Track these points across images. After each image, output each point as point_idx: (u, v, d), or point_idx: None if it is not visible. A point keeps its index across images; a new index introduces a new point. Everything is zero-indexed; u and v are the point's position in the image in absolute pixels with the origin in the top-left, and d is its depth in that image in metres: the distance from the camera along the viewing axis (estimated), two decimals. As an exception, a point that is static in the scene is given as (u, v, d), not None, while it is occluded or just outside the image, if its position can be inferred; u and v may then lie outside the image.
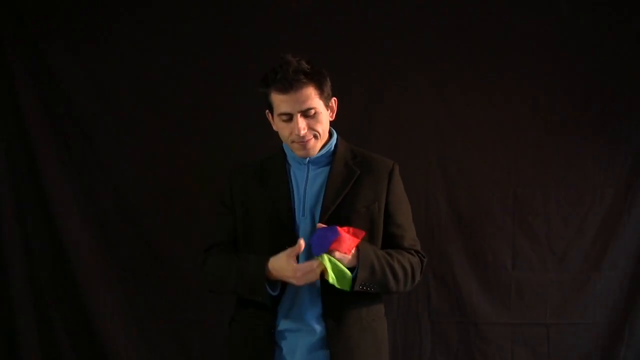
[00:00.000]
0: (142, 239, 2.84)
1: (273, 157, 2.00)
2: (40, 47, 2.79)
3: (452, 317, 2.82)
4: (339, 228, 1.77)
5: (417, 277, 1.94)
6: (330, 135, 1.96)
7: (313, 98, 1.83)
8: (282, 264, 1.77)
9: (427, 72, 2.82)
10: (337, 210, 1.86)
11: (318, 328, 1.85)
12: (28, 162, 2.81)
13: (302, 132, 1.83)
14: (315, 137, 1.87)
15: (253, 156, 2.07)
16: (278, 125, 1.89)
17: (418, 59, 2.82)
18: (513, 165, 2.83)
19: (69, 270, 2.81)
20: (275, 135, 1.96)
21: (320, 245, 1.77)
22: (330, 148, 1.94)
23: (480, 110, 2.82)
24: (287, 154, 1.96)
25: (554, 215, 2.82)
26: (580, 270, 2.81)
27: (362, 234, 1.79)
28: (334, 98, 1.93)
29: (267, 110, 1.92)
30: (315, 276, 1.77)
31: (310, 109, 1.83)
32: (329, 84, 1.89)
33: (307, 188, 1.90)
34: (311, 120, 1.85)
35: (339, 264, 1.77)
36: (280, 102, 1.83)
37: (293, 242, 1.81)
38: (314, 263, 1.76)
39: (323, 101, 1.87)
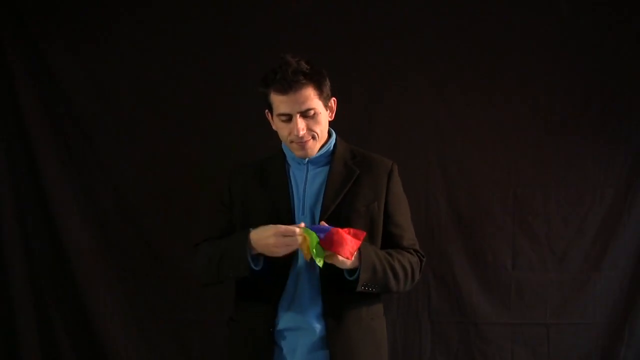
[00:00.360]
0: (142, 239, 2.84)
1: (273, 157, 2.00)
2: (40, 47, 2.79)
3: (452, 317, 2.82)
4: (340, 230, 1.76)
5: (417, 277, 1.95)
6: (330, 135, 1.97)
7: (312, 99, 1.83)
8: (264, 228, 1.77)
9: (427, 72, 2.82)
10: (336, 210, 1.86)
11: (318, 327, 1.85)
12: (28, 162, 2.81)
13: (301, 133, 1.83)
14: (314, 137, 1.87)
15: (253, 156, 2.07)
16: (277, 125, 1.89)
17: (418, 59, 2.82)
18: (513, 165, 2.83)
19: (69, 270, 2.81)
20: (275, 135, 1.96)
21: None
22: (330, 148, 1.95)
23: (480, 110, 2.82)
24: (287, 154, 1.96)
25: (554, 215, 2.82)
26: (580, 270, 2.81)
27: (363, 234, 1.79)
28: (333, 98, 1.93)
29: (266, 110, 1.93)
30: (295, 242, 1.74)
31: (310, 109, 1.83)
32: (328, 84, 1.89)
33: (306, 188, 1.90)
34: (310, 121, 1.85)
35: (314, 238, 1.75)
36: (280, 102, 1.83)
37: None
38: (296, 228, 1.74)
39: (322, 101, 1.87)
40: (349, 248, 1.75)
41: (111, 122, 2.85)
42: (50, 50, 2.80)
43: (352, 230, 1.78)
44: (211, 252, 1.90)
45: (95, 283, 2.82)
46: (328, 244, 1.74)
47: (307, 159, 1.91)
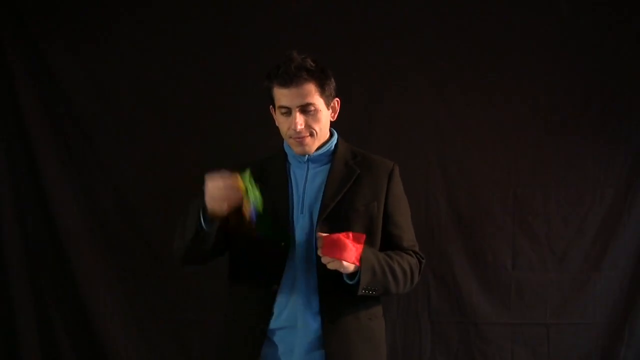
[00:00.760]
0: (142, 239, 2.84)
1: (273, 157, 2.00)
2: (40, 47, 2.79)
3: (452, 317, 2.82)
4: (340, 236, 1.76)
5: (416, 279, 1.94)
6: (331, 135, 1.97)
7: (313, 95, 1.83)
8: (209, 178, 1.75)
9: (427, 72, 2.82)
10: (336, 208, 1.86)
11: (314, 326, 1.84)
12: (28, 162, 2.81)
13: (299, 127, 1.83)
14: (312, 135, 1.87)
15: (253, 156, 2.07)
16: (278, 119, 1.90)
17: (418, 59, 2.82)
18: (513, 165, 2.83)
19: (69, 270, 2.81)
20: (276, 135, 1.96)
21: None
22: (331, 147, 1.95)
23: (480, 110, 2.82)
24: (288, 152, 1.96)
25: (554, 215, 2.82)
26: (580, 270, 2.82)
27: (363, 237, 1.78)
28: (337, 99, 1.93)
29: (270, 106, 1.93)
30: (235, 187, 1.73)
31: (309, 104, 1.83)
32: (332, 84, 1.89)
33: (306, 186, 1.90)
34: (309, 117, 1.85)
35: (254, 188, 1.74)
36: (281, 95, 1.84)
37: (289, 238, 1.82)
38: (235, 177, 1.73)
39: (324, 100, 1.87)
40: (352, 253, 1.75)
41: (111, 122, 2.85)
42: (50, 50, 2.80)
43: (351, 234, 1.77)
44: (181, 221, 1.89)
45: (95, 283, 2.82)
46: (331, 251, 1.74)
47: (307, 157, 1.91)
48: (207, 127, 2.82)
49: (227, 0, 2.85)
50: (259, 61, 2.13)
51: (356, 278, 1.79)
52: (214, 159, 2.73)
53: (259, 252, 1.86)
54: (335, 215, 1.84)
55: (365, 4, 2.83)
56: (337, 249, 1.73)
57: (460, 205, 2.83)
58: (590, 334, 2.81)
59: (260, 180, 1.94)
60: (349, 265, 1.76)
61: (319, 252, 1.75)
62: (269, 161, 1.99)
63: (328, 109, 1.91)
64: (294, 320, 1.85)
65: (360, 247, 1.76)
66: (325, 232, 1.77)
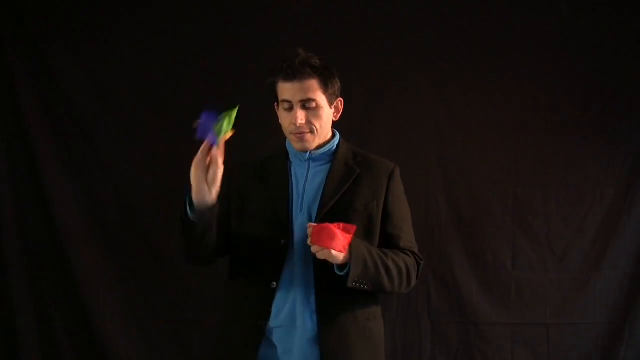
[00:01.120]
0: (142, 239, 2.84)
1: (274, 156, 2.00)
2: (40, 47, 2.80)
3: (452, 317, 2.82)
4: (330, 225, 1.76)
5: (413, 279, 1.92)
6: (333, 135, 1.97)
7: (315, 91, 1.84)
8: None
9: (427, 72, 2.82)
10: (334, 207, 1.86)
11: (312, 325, 1.84)
12: (28, 162, 2.81)
13: (299, 122, 1.84)
14: (312, 131, 1.87)
15: (253, 156, 2.07)
16: (280, 114, 1.91)
17: (418, 59, 2.82)
18: (513, 165, 2.83)
19: (69, 270, 2.81)
20: (276, 135, 1.96)
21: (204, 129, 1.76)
22: (332, 147, 1.95)
23: (480, 110, 2.83)
24: (289, 151, 1.96)
25: (554, 215, 2.82)
26: (580, 270, 2.82)
27: (353, 228, 1.77)
28: (340, 99, 1.93)
29: (275, 103, 1.93)
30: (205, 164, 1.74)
31: (311, 100, 1.84)
32: (337, 83, 1.89)
33: (306, 185, 1.90)
34: (311, 113, 1.85)
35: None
36: (284, 89, 1.85)
37: (288, 236, 1.82)
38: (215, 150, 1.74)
39: (327, 97, 1.87)
40: (341, 242, 1.74)
41: (111, 122, 2.85)
42: (50, 50, 2.80)
43: (342, 224, 1.77)
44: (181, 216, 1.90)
45: (95, 283, 2.82)
46: (319, 240, 1.74)
47: (308, 156, 1.91)
48: (207, 127, 2.82)
49: (227, 0, 2.85)
50: (259, 61, 2.13)
51: (346, 269, 1.79)
52: (214, 159, 2.76)
53: (258, 250, 1.86)
54: (334, 214, 1.84)
55: (365, 4, 2.83)
56: (326, 238, 1.73)
57: (460, 205, 2.83)
58: (590, 334, 2.81)
59: (260, 179, 1.95)
60: (337, 255, 1.74)
61: (309, 241, 1.74)
62: (270, 161, 2.00)
63: (331, 108, 1.90)
64: (292, 319, 1.84)
65: (349, 237, 1.75)
66: None
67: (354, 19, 2.83)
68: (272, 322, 1.85)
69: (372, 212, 1.90)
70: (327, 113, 1.89)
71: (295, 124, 1.84)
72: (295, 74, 1.81)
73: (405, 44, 2.81)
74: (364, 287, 1.82)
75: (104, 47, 2.84)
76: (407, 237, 1.96)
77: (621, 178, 2.81)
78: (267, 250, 1.84)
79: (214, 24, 2.82)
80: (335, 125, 1.98)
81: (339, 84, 1.90)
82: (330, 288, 1.82)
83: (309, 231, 1.75)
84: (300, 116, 1.84)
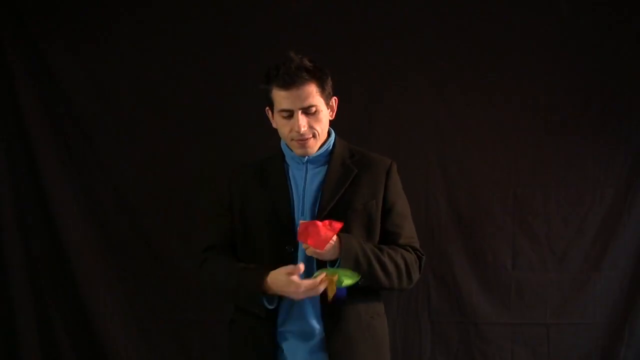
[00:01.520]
0: (142, 239, 2.84)
1: (272, 157, 2.00)
2: (40, 47, 2.79)
3: (452, 317, 2.82)
4: (316, 222, 1.76)
5: (414, 274, 1.92)
6: (329, 134, 1.96)
7: (314, 96, 1.83)
8: (282, 282, 1.76)
9: (427, 72, 2.82)
10: (334, 208, 1.86)
11: (317, 328, 1.84)
12: (28, 162, 2.81)
13: (302, 129, 1.83)
14: (315, 136, 1.87)
15: (253, 156, 2.07)
16: (278, 122, 1.89)
17: (418, 59, 2.81)
18: (513, 165, 2.82)
19: (69, 270, 2.81)
20: (275, 135, 1.96)
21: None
22: (329, 147, 1.94)
23: (480, 110, 2.82)
24: (286, 153, 1.95)
25: (554, 215, 2.82)
26: (580, 270, 2.81)
27: (339, 225, 1.78)
28: (335, 97, 1.93)
29: (267, 107, 1.92)
30: (317, 292, 1.76)
31: (311, 106, 1.83)
32: (330, 82, 1.89)
33: (305, 187, 1.90)
34: (311, 118, 1.85)
35: (341, 271, 1.78)
36: (282, 98, 1.82)
37: (292, 241, 1.82)
38: (317, 280, 1.75)
39: (324, 99, 1.87)
40: (321, 239, 1.75)
41: (111, 122, 2.85)
42: (50, 50, 2.80)
43: (327, 222, 1.77)
44: (222, 279, 1.90)
45: (95, 283, 2.82)
46: (304, 237, 1.75)
47: (306, 159, 1.91)
48: (207, 127, 2.82)
49: (227, 0, 2.85)
50: (259, 61, 2.13)
51: (336, 265, 1.79)
52: (214, 159, 2.78)
53: (263, 257, 1.86)
54: (334, 216, 1.84)
55: (365, 4, 2.83)
56: (307, 235, 1.75)
57: (460, 205, 2.83)
58: (590, 334, 2.81)
59: (260, 182, 1.94)
60: (324, 253, 1.75)
61: (298, 238, 1.77)
62: (269, 161, 1.99)
63: (328, 109, 1.91)
64: (298, 324, 1.85)
65: (331, 234, 1.75)
66: None
67: (354, 19, 2.83)
68: (280, 327, 1.86)
69: (371, 211, 1.90)
70: (325, 114, 1.89)
71: (299, 131, 1.83)
72: (293, 80, 1.79)
73: (405, 44, 2.81)
74: (357, 283, 1.82)
75: (104, 47, 2.83)
76: (407, 233, 1.96)
77: (621, 178, 2.81)
78: (273, 258, 1.84)
79: (214, 24, 2.82)
80: (335, 125, 1.99)
81: (331, 83, 1.89)
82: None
83: (298, 229, 1.77)
84: (303, 123, 1.82)
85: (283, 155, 1.97)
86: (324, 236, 1.75)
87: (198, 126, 2.83)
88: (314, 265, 1.84)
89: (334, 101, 1.93)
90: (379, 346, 1.93)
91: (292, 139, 1.87)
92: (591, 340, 2.80)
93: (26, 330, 2.81)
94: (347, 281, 1.77)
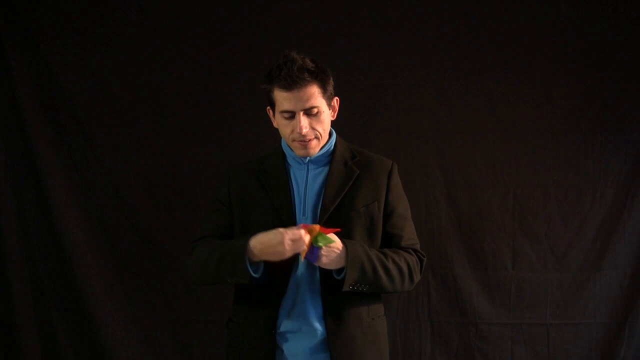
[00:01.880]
0: (142, 239, 2.84)
1: (271, 155, 1.99)
2: (41, 47, 2.79)
3: (452, 317, 2.82)
4: (315, 227, 1.78)
5: (416, 276, 1.93)
6: (330, 134, 1.96)
7: (316, 97, 1.82)
8: (267, 236, 1.75)
9: (427, 71, 2.82)
10: (336, 210, 1.86)
11: (319, 329, 1.84)
12: (28, 162, 2.81)
13: (304, 131, 1.82)
14: (317, 137, 1.86)
15: (252, 156, 2.07)
16: (279, 122, 1.88)
17: (418, 58, 2.82)
18: (513, 165, 2.83)
19: (69, 270, 2.81)
20: (274, 134, 1.96)
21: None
22: (330, 148, 1.94)
23: (480, 110, 2.82)
24: (287, 153, 1.95)
25: (554, 215, 2.82)
26: (580, 270, 2.81)
27: (337, 231, 1.79)
28: (336, 97, 1.93)
29: (268, 107, 1.91)
30: (302, 244, 1.74)
31: (313, 107, 1.82)
32: (332, 83, 1.88)
33: (307, 188, 1.89)
34: (313, 120, 1.84)
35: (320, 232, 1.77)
36: (283, 99, 1.81)
37: None
38: (300, 230, 1.74)
39: (326, 100, 1.86)
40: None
41: (111, 122, 2.85)
42: (50, 50, 2.80)
43: (325, 229, 1.78)
44: (208, 254, 1.86)
45: (95, 283, 2.82)
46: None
47: (307, 159, 1.91)
48: (206, 127, 2.82)
49: (227, 0, 2.85)
50: (259, 61, 2.13)
51: (342, 274, 1.79)
52: (214, 159, 2.77)
53: (264, 262, 1.86)
54: (336, 218, 1.84)
55: (365, 4, 2.83)
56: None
57: (460, 205, 2.83)
58: (590, 334, 2.81)
59: (260, 183, 1.93)
60: (329, 263, 1.76)
61: None
62: (267, 160, 1.98)
63: (329, 109, 1.90)
64: (299, 325, 1.85)
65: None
66: None
67: (354, 19, 2.83)
68: (280, 327, 1.85)
69: (373, 212, 1.90)
70: (327, 115, 1.88)
71: (301, 133, 1.82)
72: (295, 82, 1.77)
73: (405, 44, 2.81)
74: (362, 289, 1.82)
75: (104, 47, 2.84)
76: (408, 235, 1.96)
77: (621, 178, 2.81)
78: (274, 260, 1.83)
79: (214, 24, 2.82)
80: (335, 125, 1.98)
81: (333, 83, 1.88)
82: (336, 291, 1.81)
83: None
84: (305, 124, 1.82)
85: (283, 155, 1.96)
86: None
87: (198, 126, 2.83)
88: (316, 266, 1.83)
89: (335, 101, 1.93)
90: (380, 347, 1.93)
91: (293, 140, 1.86)
92: (591, 340, 2.81)
93: (26, 330, 2.81)
94: (322, 242, 1.75)
